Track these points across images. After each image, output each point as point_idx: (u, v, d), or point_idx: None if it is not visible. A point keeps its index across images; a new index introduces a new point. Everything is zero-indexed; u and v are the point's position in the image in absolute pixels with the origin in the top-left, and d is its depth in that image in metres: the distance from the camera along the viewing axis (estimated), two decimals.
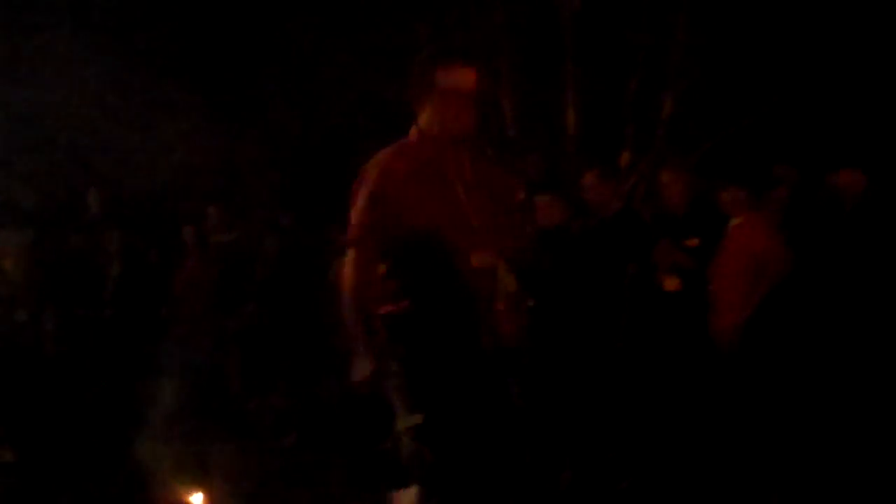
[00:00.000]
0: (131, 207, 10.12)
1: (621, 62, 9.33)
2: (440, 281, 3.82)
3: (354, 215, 3.89)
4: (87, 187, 10.28)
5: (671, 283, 6.42)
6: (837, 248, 6.09)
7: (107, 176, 10.40)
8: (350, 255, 3.88)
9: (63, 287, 8.99)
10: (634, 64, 9.31)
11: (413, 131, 3.98)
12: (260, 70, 11.53)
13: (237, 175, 11.29)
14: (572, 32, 9.64)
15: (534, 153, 8.74)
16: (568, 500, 6.33)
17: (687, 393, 6.24)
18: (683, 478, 6.13)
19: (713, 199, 6.51)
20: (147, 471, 6.33)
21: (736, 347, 6.04)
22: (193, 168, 11.19)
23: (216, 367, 8.92)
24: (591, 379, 6.50)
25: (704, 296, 6.31)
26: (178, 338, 8.83)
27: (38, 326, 8.87)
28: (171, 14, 11.55)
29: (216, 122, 11.65)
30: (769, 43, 8.88)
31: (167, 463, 6.44)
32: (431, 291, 3.82)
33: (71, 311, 8.95)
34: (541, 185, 7.47)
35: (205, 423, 8.00)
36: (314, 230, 9.38)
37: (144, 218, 10.06)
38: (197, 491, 5.79)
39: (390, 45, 10.41)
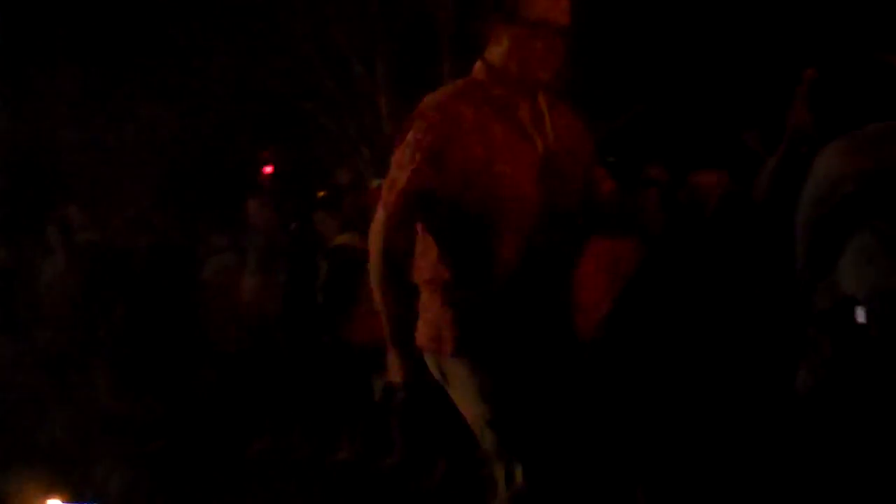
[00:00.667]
0: None
1: None
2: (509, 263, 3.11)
3: (399, 172, 3.08)
4: None
5: None
6: (693, 248, 6.21)
7: None
8: (382, 217, 3.10)
9: None
10: None
11: (479, 67, 3.21)
12: (134, 65, 11.31)
13: (108, 172, 11.06)
14: (448, 32, 9.69)
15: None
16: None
17: (554, 392, 6.30)
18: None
19: None
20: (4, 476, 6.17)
21: (598, 345, 6.12)
22: (61, 164, 10.95)
23: (84, 370, 8.71)
24: None
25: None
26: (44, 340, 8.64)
27: None
28: (42, 4, 11.29)
29: (86, 117, 11.43)
30: (639, 43, 9.05)
31: (27, 468, 6.29)
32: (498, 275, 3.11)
33: None
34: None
35: (71, 428, 7.85)
36: (187, 229, 9.24)
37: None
38: (55, 497, 5.67)
39: (268, 41, 10.34)
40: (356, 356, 7.26)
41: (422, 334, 3.23)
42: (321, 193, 8.48)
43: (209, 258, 8.50)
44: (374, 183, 7.76)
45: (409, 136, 3.07)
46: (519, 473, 3.14)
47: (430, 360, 3.23)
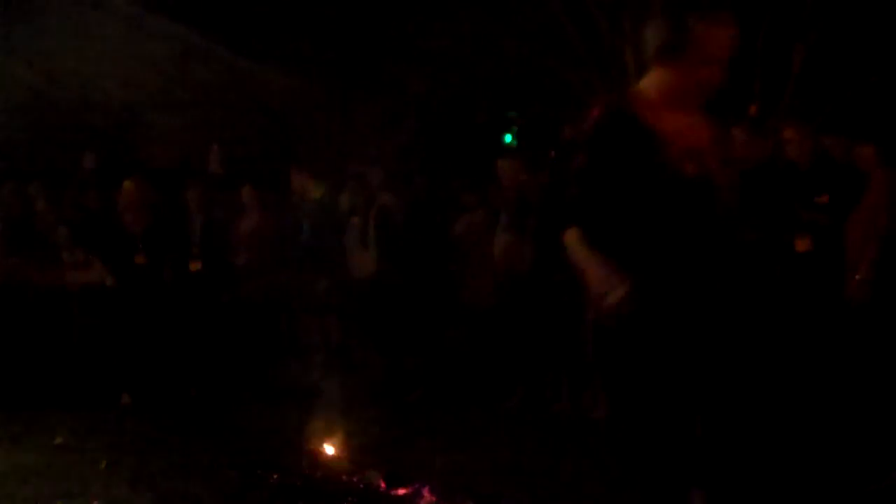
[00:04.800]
0: None
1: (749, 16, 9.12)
2: None
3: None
4: None
5: (802, 244, 6.35)
6: None
7: None
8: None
9: None
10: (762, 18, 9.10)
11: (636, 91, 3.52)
12: (383, 31, 11.56)
13: (361, 134, 11.36)
14: None
15: None
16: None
17: (816, 353, 6.18)
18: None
19: (840, 155, 6.44)
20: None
21: (865, 305, 5.98)
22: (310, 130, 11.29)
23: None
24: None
25: (837, 254, 6.23)
26: None
27: None
28: None
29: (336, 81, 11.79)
30: None
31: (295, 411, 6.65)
32: None
33: None
34: None
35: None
36: (438, 188, 9.40)
37: None
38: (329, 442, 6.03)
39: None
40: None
41: None
42: (552, 154, 8.54)
43: (461, 216, 8.68)
44: None
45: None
46: None
47: None
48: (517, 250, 7.97)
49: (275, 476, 5.90)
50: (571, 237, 3.37)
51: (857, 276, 6.09)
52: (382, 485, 5.64)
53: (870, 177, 6.23)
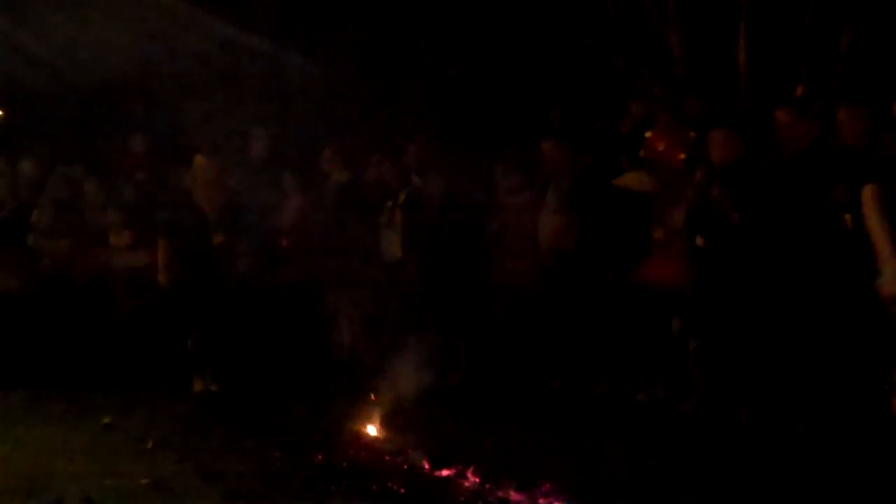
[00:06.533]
0: None
1: None
2: None
3: None
4: None
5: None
6: None
7: None
8: None
9: None
10: None
11: None
12: (422, 12, 11.55)
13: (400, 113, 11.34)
14: None
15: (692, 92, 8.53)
16: (742, 442, 6.29)
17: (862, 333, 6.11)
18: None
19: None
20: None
21: None
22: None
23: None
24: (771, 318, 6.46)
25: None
26: None
27: None
28: None
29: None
30: None
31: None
32: None
33: None
34: (711, 121, 7.37)
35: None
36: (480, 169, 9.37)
37: None
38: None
39: None
40: (653, 298, 7.29)
41: None
42: (598, 125, 8.54)
43: (505, 197, 8.65)
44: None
45: None
46: None
47: None
48: (565, 231, 7.96)
49: (319, 456, 5.94)
50: (868, 195, 3.66)
51: None
52: (426, 465, 5.67)
53: None
